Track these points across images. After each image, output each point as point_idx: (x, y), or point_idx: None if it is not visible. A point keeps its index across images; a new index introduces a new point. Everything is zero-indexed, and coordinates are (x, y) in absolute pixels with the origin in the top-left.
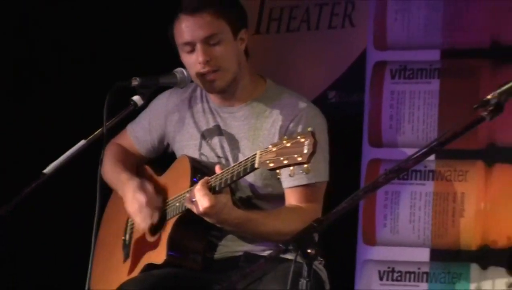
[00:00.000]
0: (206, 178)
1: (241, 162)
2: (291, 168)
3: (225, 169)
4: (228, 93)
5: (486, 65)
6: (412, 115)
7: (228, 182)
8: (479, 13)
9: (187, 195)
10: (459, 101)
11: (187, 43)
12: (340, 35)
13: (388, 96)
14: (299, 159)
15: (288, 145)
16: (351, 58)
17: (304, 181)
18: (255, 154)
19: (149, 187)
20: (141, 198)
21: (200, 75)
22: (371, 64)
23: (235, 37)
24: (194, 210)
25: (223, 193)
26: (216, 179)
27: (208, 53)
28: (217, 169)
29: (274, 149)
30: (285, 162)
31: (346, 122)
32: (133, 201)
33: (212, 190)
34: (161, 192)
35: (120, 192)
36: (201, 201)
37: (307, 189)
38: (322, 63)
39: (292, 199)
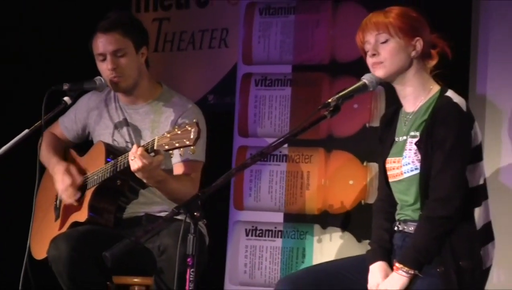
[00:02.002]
0: (138, 145)
1: (144, 144)
2: (181, 149)
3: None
4: (132, 94)
5: (326, 77)
6: (270, 113)
7: None
8: (321, 38)
9: (130, 153)
10: (306, 103)
11: (100, 54)
12: (218, 54)
13: (253, 99)
14: (187, 142)
15: (179, 132)
16: (226, 70)
17: (190, 157)
18: (154, 139)
19: (74, 170)
20: (67, 180)
21: (109, 79)
22: (240, 75)
23: (137, 51)
24: (135, 165)
25: (158, 156)
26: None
27: (115, 63)
28: (135, 146)
29: (168, 135)
30: (177, 144)
31: (221, 118)
32: (62, 182)
33: None
34: (82, 168)
35: (51, 172)
36: (146, 158)
37: (191, 163)
38: (204, 74)
39: (180, 170)
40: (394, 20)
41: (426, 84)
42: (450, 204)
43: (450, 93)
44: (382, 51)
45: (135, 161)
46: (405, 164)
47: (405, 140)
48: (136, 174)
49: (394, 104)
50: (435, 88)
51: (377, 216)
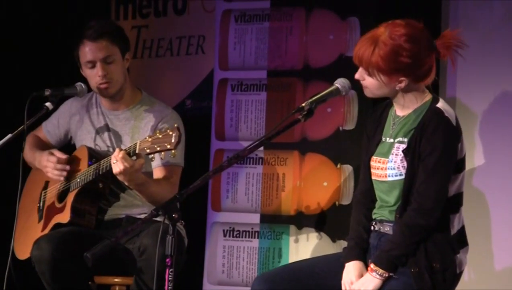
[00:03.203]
0: (120, 148)
1: (126, 148)
2: (162, 153)
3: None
4: (116, 100)
5: (299, 82)
6: (246, 117)
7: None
8: (294, 44)
9: (112, 157)
10: (280, 108)
11: (89, 62)
12: (195, 60)
13: (229, 103)
14: (168, 146)
15: (160, 136)
16: (203, 76)
17: (171, 161)
18: (136, 142)
19: (56, 152)
20: (53, 159)
21: (98, 85)
22: (217, 80)
23: (123, 57)
24: (116, 168)
25: (139, 159)
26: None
27: (105, 69)
28: (117, 150)
29: (150, 139)
30: (158, 148)
31: (199, 122)
32: (48, 164)
33: None
34: None
35: (37, 165)
36: (127, 161)
37: (171, 167)
38: (181, 79)
39: (160, 174)
40: (376, 61)
41: (417, 98)
42: (430, 215)
43: (441, 104)
44: (367, 79)
45: (117, 164)
46: (390, 168)
47: (392, 144)
48: (117, 177)
49: (367, 108)
50: (427, 97)
51: (357, 209)
